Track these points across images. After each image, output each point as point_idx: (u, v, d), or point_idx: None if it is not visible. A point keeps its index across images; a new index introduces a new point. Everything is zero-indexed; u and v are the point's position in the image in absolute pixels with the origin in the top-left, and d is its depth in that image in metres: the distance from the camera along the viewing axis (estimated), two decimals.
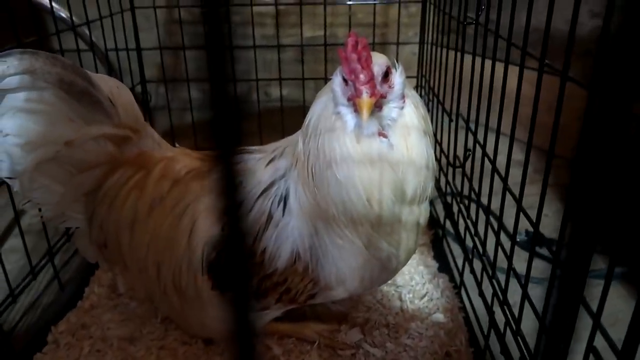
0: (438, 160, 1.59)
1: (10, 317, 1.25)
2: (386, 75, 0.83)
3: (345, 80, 0.82)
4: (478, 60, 1.13)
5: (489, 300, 1.09)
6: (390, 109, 0.85)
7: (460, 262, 1.29)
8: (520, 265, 0.97)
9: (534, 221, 0.86)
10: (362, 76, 0.78)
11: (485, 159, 1.09)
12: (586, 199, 0.40)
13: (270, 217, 0.95)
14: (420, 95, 1.89)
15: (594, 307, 0.67)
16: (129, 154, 1.07)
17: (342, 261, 0.93)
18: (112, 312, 1.26)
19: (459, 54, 1.29)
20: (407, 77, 0.88)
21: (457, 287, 1.32)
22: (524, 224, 0.91)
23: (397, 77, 0.85)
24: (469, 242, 1.24)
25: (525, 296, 0.90)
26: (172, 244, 1.01)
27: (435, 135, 1.56)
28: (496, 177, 1.03)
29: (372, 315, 1.24)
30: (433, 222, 1.61)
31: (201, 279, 1.00)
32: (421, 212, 0.93)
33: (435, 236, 1.57)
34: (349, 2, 1.93)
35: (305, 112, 0.94)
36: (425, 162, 0.88)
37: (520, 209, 0.92)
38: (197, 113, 2.01)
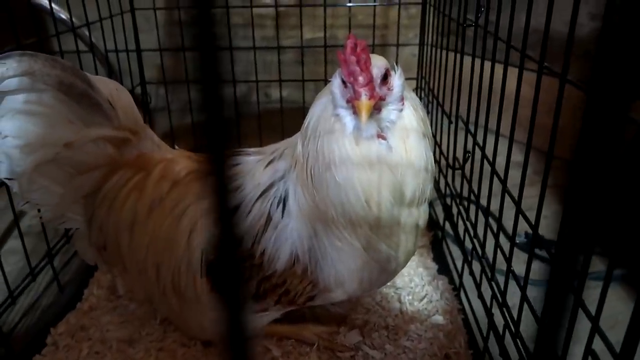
0: (438, 162, 1.59)
1: (9, 319, 1.24)
2: (385, 77, 0.83)
3: (344, 83, 0.82)
4: (477, 62, 1.13)
5: (488, 303, 1.09)
6: (389, 111, 0.85)
7: (459, 264, 1.29)
8: (519, 267, 0.97)
9: (533, 223, 0.86)
10: (361, 78, 0.78)
11: (485, 160, 1.09)
12: (585, 202, 0.39)
13: (269, 218, 0.95)
14: (420, 97, 1.89)
15: (593, 309, 0.67)
16: (129, 156, 1.07)
17: (341, 263, 0.93)
18: (112, 313, 1.26)
19: (458, 56, 1.29)
20: (407, 78, 0.88)
21: (457, 289, 1.32)
22: (524, 226, 0.91)
23: (396, 80, 0.85)
24: (468, 244, 1.24)
25: (524, 298, 0.90)
26: (171, 245, 1.01)
27: (434, 136, 1.56)
28: (495, 178, 1.03)
29: (371, 317, 1.24)
30: (432, 223, 1.60)
31: (200, 281, 1.00)
32: (420, 214, 0.93)
33: (435, 238, 1.57)
34: (349, 4, 1.94)
35: (305, 114, 0.94)
36: (424, 165, 0.88)
37: (519, 211, 0.92)
38: (197, 114, 2.01)
